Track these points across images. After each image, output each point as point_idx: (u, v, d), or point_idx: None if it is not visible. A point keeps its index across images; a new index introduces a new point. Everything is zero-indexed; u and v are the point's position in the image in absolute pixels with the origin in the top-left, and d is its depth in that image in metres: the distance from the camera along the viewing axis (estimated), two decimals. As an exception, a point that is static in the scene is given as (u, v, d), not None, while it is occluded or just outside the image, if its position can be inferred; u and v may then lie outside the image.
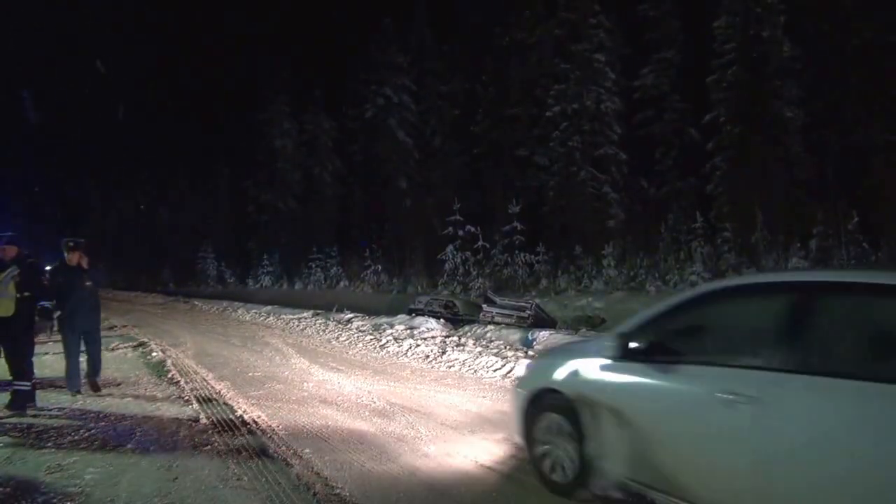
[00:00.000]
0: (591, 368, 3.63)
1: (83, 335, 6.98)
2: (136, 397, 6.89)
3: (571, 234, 21.46)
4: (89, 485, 4.11)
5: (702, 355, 3.13)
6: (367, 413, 5.98)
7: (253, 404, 6.40)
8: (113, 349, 10.93)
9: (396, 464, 4.43)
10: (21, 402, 6.11)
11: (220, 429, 5.42)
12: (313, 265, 30.69)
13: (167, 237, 48.54)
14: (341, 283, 28.51)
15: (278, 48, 61.25)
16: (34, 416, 6.01)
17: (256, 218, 36.94)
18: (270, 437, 5.17)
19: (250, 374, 8.38)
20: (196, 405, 6.41)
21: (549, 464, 3.84)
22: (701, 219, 17.58)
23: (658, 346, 3.29)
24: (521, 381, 4.40)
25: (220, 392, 7.09)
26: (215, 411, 6.11)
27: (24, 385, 6.14)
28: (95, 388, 7.05)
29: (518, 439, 4.24)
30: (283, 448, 4.83)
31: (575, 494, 3.63)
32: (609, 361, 3.51)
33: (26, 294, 6.06)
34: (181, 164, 50.29)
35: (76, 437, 5.23)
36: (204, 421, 5.68)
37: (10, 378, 6.20)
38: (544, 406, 3.91)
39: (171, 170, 50.88)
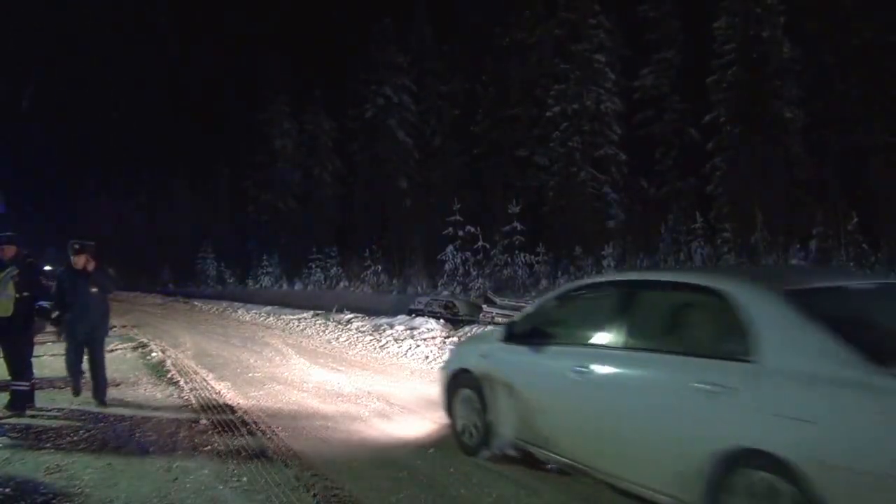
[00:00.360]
0: (490, 351, 4.50)
1: (86, 345, 6.62)
2: (136, 398, 6.89)
3: (571, 234, 21.44)
4: (88, 485, 4.10)
5: (563, 338, 4.01)
6: (366, 414, 5.98)
7: (253, 405, 6.40)
8: (112, 349, 10.90)
9: (396, 465, 4.43)
10: (20, 402, 6.09)
11: (219, 429, 5.42)
12: (313, 265, 30.64)
13: (167, 237, 48.48)
14: (341, 284, 28.47)
15: (278, 48, 61.03)
16: (33, 416, 6.00)
17: (256, 218, 36.90)
18: (270, 437, 5.16)
19: (250, 374, 8.38)
20: (196, 406, 6.41)
21: (463, 430, 4.68)
22: (701, 219, 17.54)
23: (535, 332, 4.16)
24: (445, 364, 5.23)
25: (219, 393, 7.08)
26: (215, 412, 6.10)
27: (23, 385, 6.11)
28: (102, 404, 6.49)
29: (444, 412, 4.96)
30: (283, 449, 4.83)
31: (480, 454, 4.44)
32: (502, 345, 4.36)
33: (25, 294, 6.01)
34: (181, 164, 50.27)
35: (75, 438, 5.22)
36: (203, 422, 5.67)
37: (9, 378, 6.18)
38: (460, 383, 4.74)
39: (171, 170, 50.86)
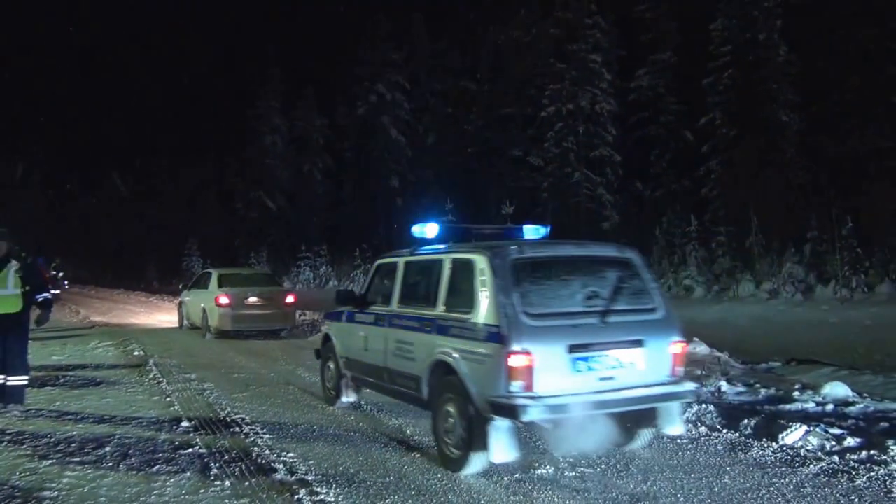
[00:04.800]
0: (184, 294, 14.22)
1: None
2: (117, 398, 6.67)
3: (566, 235, 21.23)
4: (66, 489, 3.93)
5: (194, 288, 13.79)
6: (357, 416, 5.85)
7: (237, 406, 6.22)
8: (93, 348, 10.68)
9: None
10: (20, 396, 6.07)
11: (202, 431, 5.26)
12: (302, 264, 30.31)
13: (152, 234, 47.86)
14: (331, 283, 28.14)
15: (269, 43, 60.68)
16: (8, 417, 5.75)
17: (244, 215, 36.47)
18: (254, 440, 4.99)
19: (235, 375, 8.18)
20: (178, 407, 6.22)
21: (185, 322, 13.99)
22: (696, 222, 17.40)
23: (192, 286, 14.06)
24: (181, 300, 14.58)
25: (203, 393, 6.90)
26: (198, 413, 5.93)
27: (23, 380, 6.11)
28: None
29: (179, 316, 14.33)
30: (267, 451, 4.67)
31: (182, 329, 14.06)
32: (186, 291, 14.22)
33: (27, 288, 6.09)
34: (167, 158, 49.82)
35: (53, 440, 5.01)
36: (186, 423, 5.50)
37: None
38: (181, 304, 14.41)
39: (157, 165, 50.38)
